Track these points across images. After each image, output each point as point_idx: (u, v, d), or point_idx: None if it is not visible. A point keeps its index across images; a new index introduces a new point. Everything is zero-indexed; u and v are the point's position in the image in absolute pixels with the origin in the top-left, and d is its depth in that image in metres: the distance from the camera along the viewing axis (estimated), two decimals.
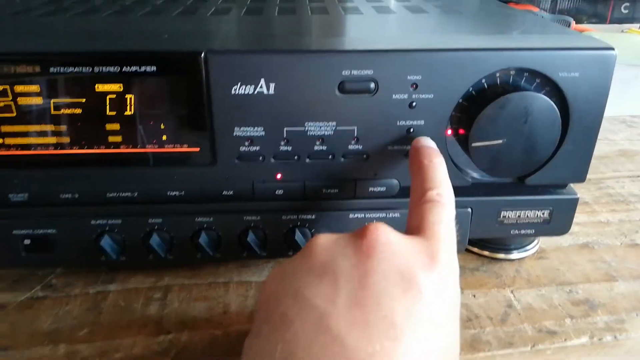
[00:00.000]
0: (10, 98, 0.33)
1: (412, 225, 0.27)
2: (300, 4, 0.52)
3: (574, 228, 0.45)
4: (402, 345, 0.21)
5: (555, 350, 0.33)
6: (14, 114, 0.33)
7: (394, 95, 0.33)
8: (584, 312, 0.36)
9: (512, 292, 0.38)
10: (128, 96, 0.33)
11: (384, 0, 0.57)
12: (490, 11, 0.52)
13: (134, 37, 0.38)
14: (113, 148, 0.34)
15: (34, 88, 0.33)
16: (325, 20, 0.45)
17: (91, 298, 0.37)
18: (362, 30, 0.43)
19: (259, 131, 0.34)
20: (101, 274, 0.40)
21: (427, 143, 0.33)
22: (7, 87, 0.33)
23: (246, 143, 0.34)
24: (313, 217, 0.37)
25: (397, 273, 0.23)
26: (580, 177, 0.37)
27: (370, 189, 0.36)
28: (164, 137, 0.34)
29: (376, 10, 0.50)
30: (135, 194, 0.35)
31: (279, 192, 0.36)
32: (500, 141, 0.33)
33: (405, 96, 0.33)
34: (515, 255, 0.42)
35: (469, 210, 0.38)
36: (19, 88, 0.33)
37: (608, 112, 0.35)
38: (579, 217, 0.48)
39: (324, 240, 0.26)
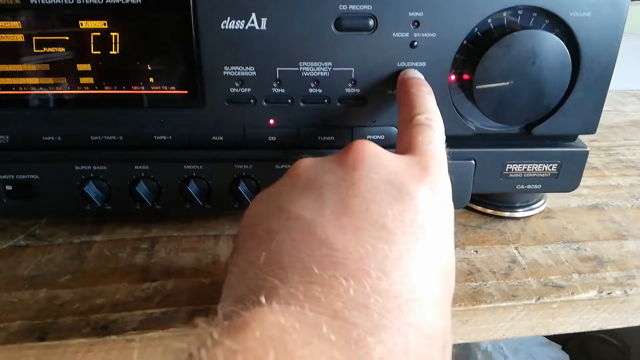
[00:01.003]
0: None
1: (401, 149, 0.25)
2: None
3: (582, 190, 0.44)
4: (395, 247, 0.19)
5: (561, 304, 0.31)
6: None
7: (394, 34, 0.31)
8: (592, 267, 0.34)
9: (516, 248, 0.36)
10: (112, 33, 0.32)
11: None
12: None
13: None
14: (97, 89, 0.33)
15: (15, 24, 0.31)
16: None
17: (75, 247, 0.36)
18: None
19: (249, 71, 0.32)
20: (87, 225, 0.38)
21: (415, 74, 0.31)
22: None
23: (236, 84, 0.32)
24: None
25: (387, 182, 0.21)
26: (591, 128, 0.35)
27: (369, 136, 0.34)
28: (151, 78, 0.33)
29: None
30: (120, 138, 0.34)
31: (272, 138, 0.34)
32: (506, 83, 0.32)
33: (406, 34, 0.31)
34: (520, 213, 0.40)
35: (472, 162, 0.36)
36: (1, 25, 0.31)
37: (618, 85, 0.33)
38: (587, 180, 0.46)
39: (308, 161, 0.24)
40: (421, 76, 0.31)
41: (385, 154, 0.23)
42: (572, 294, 0.32)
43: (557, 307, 0.31)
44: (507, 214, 0.40)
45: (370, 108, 0.33)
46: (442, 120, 0.27)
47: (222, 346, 0.15)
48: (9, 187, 0.35)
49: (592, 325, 0.33)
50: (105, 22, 0.31)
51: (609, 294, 0.32)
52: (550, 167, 0.36)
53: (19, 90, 0.32)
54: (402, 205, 0.20)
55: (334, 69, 0.32)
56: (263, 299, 0.17)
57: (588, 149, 0.36)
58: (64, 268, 0.34)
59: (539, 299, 0.31)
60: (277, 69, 0.32)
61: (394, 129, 0.34)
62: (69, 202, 0.35)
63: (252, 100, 0.33)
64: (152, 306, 0.30)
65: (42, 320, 0.29)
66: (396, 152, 0.25)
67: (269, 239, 0.20)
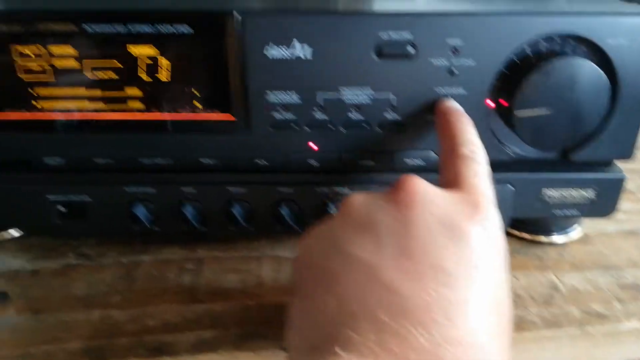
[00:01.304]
0: (46, 60, 0.33)
1: (446, 181, 0.26)
2: None
3: (618, 215, 0.43)
4: (457, 291, 0.20)
5: (605, 334, 0.31)
6: (50, 77, 0.34)
7: (433, 61, 0.32)
8: (632, 295, 0.34)
9: (555, 274, 0.36)
10: (161, 59, 0.33)
11: None
12: None
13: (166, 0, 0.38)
14: (147, 114, 0.34)
15: (70, 50, 0.33)
16: None
17: (124, 267, 0.37)
18: None
19: (293, 97, 0.33)
20: (134, 245, 0.40)
21: (453, 104, 0.32)
22: (43, 48, 0.33)
23: (280, 109, 0.34)
24: (348, 190, 0.36)
25: (440, 222, 0.22)
26: (627, 154, 0.35)
27: (408, 161, 0.35)
28: (198, 103, 0.34)
29: None
30: (170, 161, 0.35)
31: (314, 162, 0.35)
32: (545, 110, 0.32)
33: (445, 61, 0.32)
34: (557, 238, 0.40)
35: (510, 187, 0.36)
36: (55, 50, 0.33)
37: None
38: (623, 204, 0.45)
39: (359, 198, 0.25)
40: (459, 106, 0.32)
41: (435, 192, 0.24)
42: (615, 323, 0.31)
43: (601, 338, 0.31)
44: (543, 238, 0.40)
45: (410, 133, 0.34)
46: (484, 152, 0.28)
47: None
48: (61, 208, 0.37)
49: (637, 356, 0.32)
50: (156, 49, 0.33)
51: None
52: (587, 193, 0.36)
53: (73, 115, 0.34)
54: (457, 246, 0.21)
55: (374, 95, 0.33)
56: (340, 351, 0.18)
57: (624, 175, 0.36)
58: (114, 288, 0.35)
59: (582, 327, 0.31)
60: (320, 95, 0.33)
61: (433, 154, 0.35)
62: (118, 223, 0.37)
63: (295, 126, 0.34)
64: (202, 328, 0.31)
65: (97, 341, 0.30)
66: (440, 184, 0.26)
67: (333, 283, 0.21)
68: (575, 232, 0.41)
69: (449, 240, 0.21)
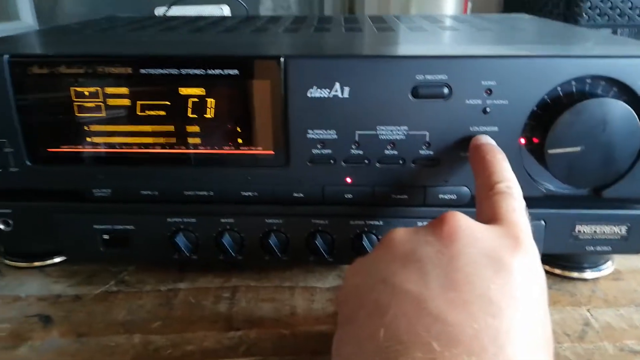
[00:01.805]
0: (101, 99, 0.35)
1: (485, 218, 0.27)
2: (365, 25, 0.54)
3: None
4: (504, 321, 0.20)
5: None
6: (103, 114, 0.36)
7: (467, 101, 0.33)
8: None
9: (588, 310, 0.36)
10: (209, 100, 0.35)
11: (446, 20, 0.58)
12: (555, 27, 0.52)
13: (215, 46, 0.40)
14: (192, 149, 0.36)
15: (123, 90, 0.35)
16: (393, 35, 0.47)
17: (163, 294, 0.38)
18: (432, 42, 0.43)
19: (331, 134, 0.35)
20: (171, 273, 0.41)
21: (487, 140, 0.33)
22: (99, 88, 0.35)
23: (319, 146, 0.35)
24: (381, 223, 0.37)
25: (484, 256, 0.23)
26: None
27: (440, 196, 0.36)
28: (240, 140, 0.36)
29: (441, 28, 0.51)
30: (211, 193, 0.37)
31: (348, 196, 0.36)
32: (577, 148, 0.33)
33: (479, 102, 0.33)
34: (589, 274, 0.40)
35: (543, 222, 0.37)
36: (109, 90, 0.35)
37: None
38: None
39: (402, 232, 0.26)
40: (494, 142, 0.33)
41: (477, 226, 0.25)
42: None
43: None
44: (575, 274, 0.40)
45: (443, 169, 0.35)
46: (520, 187, 0.29)
47: None
48: (106, 236, 0.38)
49: None
50: (203, 89, 0.35)
51: None
52: (620, 230, 0.37)
53: (122, 149, 0.36)
54: (502, 278, 0.22)
55: (409, 132, 0.34)
56: None
57: None
58: (154, 314, 0.36)
59: None
60: (357, 132, 0.35)
61: (465, 189, 0.36)
62: (159, 251, 0.38)
63: (332, 161, 0.35)
64: (239, 355, 0.32)
65: None
66: (478, 219, 0.27)
67: (381, 313, 0.22)
68: (607, 269, 0.41)
69: (493, 272, 0.22)
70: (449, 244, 0.23)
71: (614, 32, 0.80)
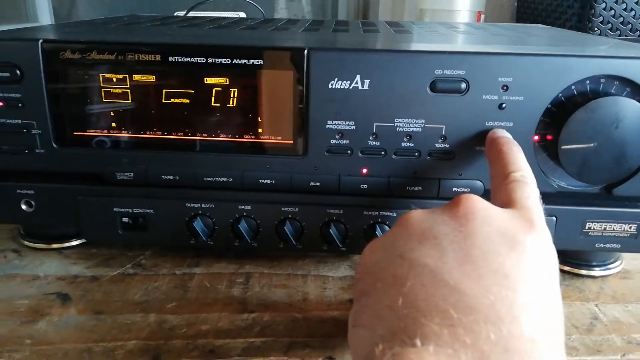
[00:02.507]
0: (128, 85, 0.37)
1: (499, 204, 0.27)
2: (382, 28, 0.55)
3: None
4: (518, 294, 0.21)
5: None
6: (129, 101, 0.37)
7: (484, 96, 0.34)
8: None
9: (596, 305, 0.37)
10: (232, 89, 0.36)
11: (461, 27, 0.59)
12: (568, 35, 0.53)
13: (241, 39, 0.42)
14: (214, 136, 0.37)
15: (150, 78, 0.37)
16: (411, 36, 0.48)
17: (178, 278, 0.39)
18: (450, 41, 0.45)
19: (350, 125, 0.36)
20: (187, 258, 0.42)
21: (504, 134, 0.34)
22: (127, 75, 0.36)
23: (337, 136, 0.36)
24: (394, 214, 0.38)
25: (499, 233, 0.23)
26: None
27: (454, 189, 0.37)
28: (260, 129, 0.37)
29: (456, 32, 0.52)
30: (230, 180, 0.38)
31: (364, 186, 0.37)
32: (590, 145, 0.34)
33: (496, 97, 0.34)
34: (598, 272, 0.41)
35: (554, 218, 0.37)
36: (137, 77, 0.36)
37: None
38: None
39: (419, 212, 0.27)
40: (510, 135, 0.34)
41: (492, 207, 0.25)
42: None
43: None
44: (584, 272, 0.41)
45: (458, 162, 0.36)
46: (534, 177, 0.29)
47: None
48: (125, 220, 0.39)
49: None
50: (227, 79, 0.36)
51: None
52: (630, 228, 0.37)
53: (146, 134, 0.37)
54: (517, 255, 0.23)
55: (426, 125, 0.35)
56: (418, 342, 0.19)
57: None
58: (169, 295, 0.37)
59: (624, 355, 0.32)
60: (375, 124, 0.36)
61: (479, 183, 0.37)
62: (176, 236, 0.39)
63: (349, 151, 0.36)
64: (252, 335, 0.33)
65: (154, 342, 0.32)
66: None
67: (399, 284, 0.22)
68: (616, 267, 0.41)
69: (508, 249, 0.23)
70: (465, 222, 0.24)
71: None
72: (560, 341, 0.21)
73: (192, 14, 0.97)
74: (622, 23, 0.81)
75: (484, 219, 0.24)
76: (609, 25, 0.81)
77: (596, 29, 0.81)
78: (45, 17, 1.52)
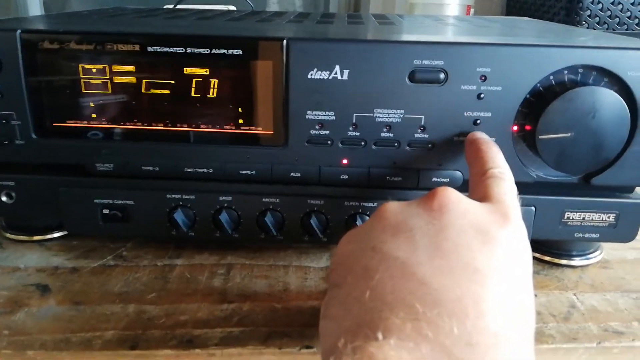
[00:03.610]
0: (107, 76, 0.37)
1: (476, 197, 0.27)
2: (367, 20, 0.55)
3: (638, 244, 0.44)
4: (487, 289, 0.21)
5: (622, 350, 0.32)
6: (109, 91, 0.37)
7: (462, 86, 0.34)
8: None
9: (575, 294, 0.37)
10: (212, 80, 0.36)
11: (447, 19, 0.59)
12: (553, 27, 0.53)
13: (221, 29, 0.41)
14: (194, 127, 0.37)
15: (129, 68, 0.36)
16: (394, 27, 0.48)
17: (159, 269, 0.39)
18: (431, 33, 0.45)
19: (329, 115, 0.36)
20: (168, 250, 0.42)
21: (482, 136, 0.34)
22: (106, 66, 0.36)
23: (317, 127, 0.36)
24: (374, 204, 0.38)
25: (472, 227, 0.24)
26: None
27: (434, 179, 0.37)
28: (241, 119, 0.37)
29: (441, 23, 0.52)
30: (210, 170, 0.38)
31: (344, 177, 0.37)
32: (568, 134, 0.34)
33: (474, 87, 0.34)
34: (577, 261, 0.41)
35: (533, 208, 0.38)
36: (116, 67, 0.36)
37: None
38: None
39: (394, 204, 0.27)
40: (488, 137, 0.34)
41: (467, 200, 0.26)
42: (633, 340, 0.32)
43: (618, 353, 0.32)
44: (564, 261, 0.41)
45: (437, 153, 0.36)
46: (512, 175, 0.30)
47: None
48: (106, 211, 0.39)
49: None
50: (207, 69, 0.36)
51: None
52: (609, 217, 0.38)
53: (126, 125, 0.37)
54: (489, 250, 0.23)
55: (405, 116, 0.35)
56: (380, 335, 0.19)
57: None
58: (149, 287, 0.37)
59: (599, 342, 0.32)
60: (355, 114, 0.36)
61: (458, 173, 0.37)
62: (157, 227, 0.39)
63: (329, 142, 0.36)
64: (231, 325, 0.33)
65: (132, 332, 0.32)
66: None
67: (368, 277, 0.22)
68: (595, 257, 0.41)
69: (480, 243, 0.23)
70: (438, 215, 0.24)
71: None
72: (529, 337, 0.22)
73: (181, 6, 0.96)
74: (609, 16, 0.82)
75: (458, 212, 0.24)
76: (597, 19, 0.81)
77: (584, 22, 0.81)
78: (35, 11, 1.51)
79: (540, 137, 0.34)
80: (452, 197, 0.25)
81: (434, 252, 0.23)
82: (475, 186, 0.29)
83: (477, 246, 0.23)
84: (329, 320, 0.23)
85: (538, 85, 0.35)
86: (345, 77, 0.35)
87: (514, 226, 0.25)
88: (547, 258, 0.41)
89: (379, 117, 0.36)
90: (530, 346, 0.21)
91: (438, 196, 0.25)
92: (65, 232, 0.43)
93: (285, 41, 0.34)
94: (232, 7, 1.09)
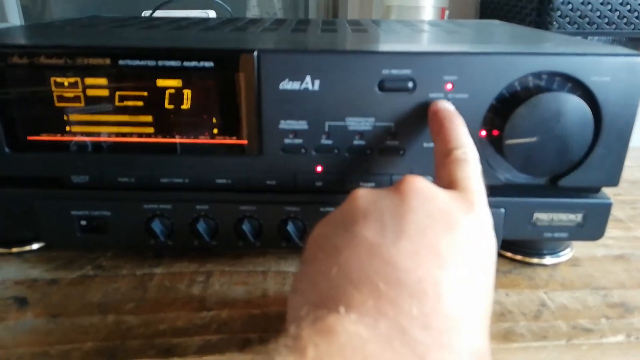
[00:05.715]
0: (80, 89, 0.37)
1: (442, 184, 0.28)
2: (341, 27, 0.56)
3: (607, 241, 0.46)
4: (447, 273, 0.22)
5: (591, 347, 0.33)
6: (82, 104, 0.37)
7: (430, 94, 0.35)
8: (619, 313, 0.36)
9: (545, 293, 0.38)
10: (185, 91, 0.37)
11: (420, 25, 0.60)
12: (521, 31, 0.54)
13: (193, 41, 0.42)
14: (169, 138, 0.37)
15: (102, 81, 0.37)
16: (366, 35, 0.49)
17: (138, 278, 0.39)
18: (401, 41, 0.45)
19: (302, 125, 0.36)
20: (148, 259, 0.42)
21: (446, 105, 0.34)
22: (78, 79, 0.36)
23: (290, 136, 0.37)
24: None
25: (438, 212, 0.24)
26: (613, 181, 0.38)
27: None
28: (215, 130, 0.37)
29: (412, 30, 0.53)
30: (186, 181, 0.38)
31: (319, 184, 0.38)
32: (533, 139, 0.35)
33: (442, 95, 0.35)
34: (548, 260, 0.42)
35: (502, 210, 0.39)
36: (89, 80, 0.36)
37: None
38: (613, 231, 0.48)
39: (365, 190, 0.27)
40: (452, 107, 0.34)
41: (434, 187, 0.26)
42: (601, 337, 0.33)
43: (587, 350, 0.33)
44: (535, 260, 0.42)
45: (408, 158, 0.37)
46: (476, 151, 0.30)
47: (312, 343, 0.18)
48: (83, 222, 0.39)
49: None
50: (180, 81, 0.36)
51: (637, 338, 0.33)
52: (576, 217, 0.39)
53: (101, 138, 0.37)
54: (451, 234, 0.24)
55: (376, 123, 0.36)
56: (342, 309, 0.20)
57: (611, 200, 0.39)
58: (128, 296, 0.37)
59: (569, 340, 0.33)
60: (327, 123, 0.36)
61: (430, 179, 0.38)
62: (135, 237, 0.39)
63: (303, 150, 0.37)
64: (209, 333, 0.33)
65: (111, 342, 0.33)
66: (436, 185, 0.28)
67: (337, 254, 0.23)
68: (566, 255, 0.43)
69: (444, 228, 0.24)
70: (407, 199, 0.25)
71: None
72: (484, 323, 0.23)
73: (160, 13, 0.96)
74: (580, 17, 0.83)
75: (425, 197, 0.25)
76: (567, 19, 0.83)
77: (555, 22, 0.83)
78: (14, 18, 1.49)
79: (506, 142, 0.35)
80: (420, 184, 0.26)
81: (400, 234, 0.23)
82: (439, 168, 0.30)
83: (441, 231, 0.24)
84: (297, 294, 0.24)
85: (504, 91, 0.36)
86: (316, 87, 0.35)
87: (478, 213, 0.26)
88: (518, 257, 0.42)
89: (351, 125, 0.36)
90: (484, 332, 0.22)
91: (407, 182, 0.26)
92: (44, 244, 0.44)
93: (256, 52, 0.35)
94: (213, 12, 1.09)
